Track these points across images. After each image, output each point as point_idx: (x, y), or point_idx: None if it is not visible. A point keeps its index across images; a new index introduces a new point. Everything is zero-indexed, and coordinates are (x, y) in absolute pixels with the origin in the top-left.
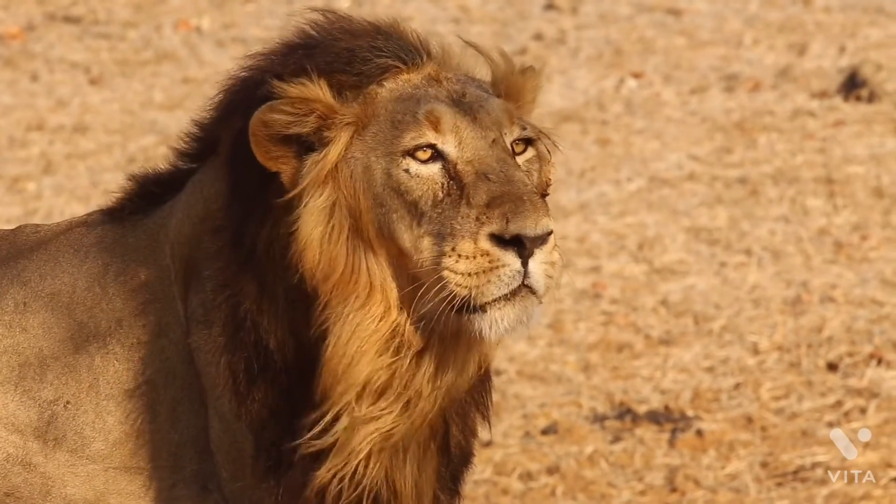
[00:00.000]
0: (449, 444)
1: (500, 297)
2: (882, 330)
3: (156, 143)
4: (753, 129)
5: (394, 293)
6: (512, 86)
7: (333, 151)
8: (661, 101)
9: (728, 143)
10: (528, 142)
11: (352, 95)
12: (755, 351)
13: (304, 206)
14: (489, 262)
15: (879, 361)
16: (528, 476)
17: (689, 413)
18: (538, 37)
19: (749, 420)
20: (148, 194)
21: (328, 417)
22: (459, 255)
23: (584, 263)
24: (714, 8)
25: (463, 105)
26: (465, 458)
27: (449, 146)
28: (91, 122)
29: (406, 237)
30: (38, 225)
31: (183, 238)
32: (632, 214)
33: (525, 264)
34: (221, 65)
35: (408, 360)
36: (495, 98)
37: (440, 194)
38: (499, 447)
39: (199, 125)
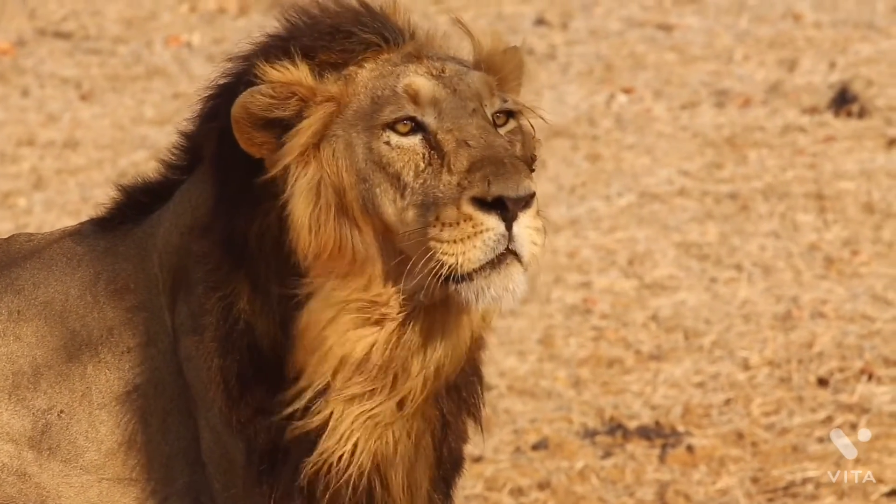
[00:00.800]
0: (446, 440)
1: (485, 265)
2: (873, 345)
3: (146, 159)
4: (744, 145)
5: (378, 268)
6: (495, 64)
7: (308, 124)
8: (651, 117)
9: (718, 158)
10: (509, 114)
11: (332, 76)
12: (746, 366)
13: (292, 187)
14: (473, 226)
15: (870, 377)
16: (518, 491)
17: (680, 428)
18: (528, 52)
19: (740, 435)
20: (137, 204)
21: (308, 394)
22: (443, 224)
23: (575, 279)
24: (704, 24)
25: (443, 78)
26: (457, 464)
27: (429, 117)
28: (82, 137)
29: (390, 210)
30: (31, 234)
31: (171, 248)
32: (622, 230)
33: (509, 228)
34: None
35: (388, 333)
36: (475, 71)
37: (422, 165)
38: (489, 462)
39: (184, 135)
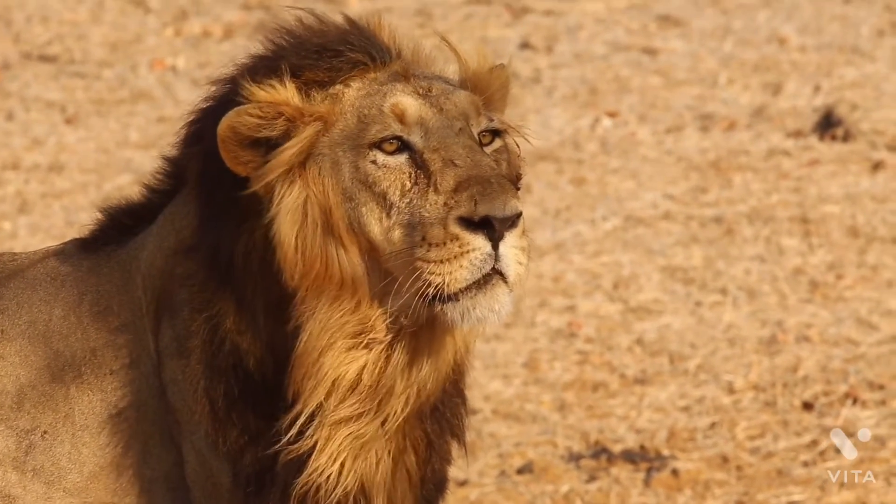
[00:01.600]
0: (430, 461)
1: (472, 285)
2: (857, 369)
3: (131, 183)
4: (729, 169)
5: (365, 288)
6: (481, 82)
7: (294, 143)
8: (636, 141)
9: (703, 182)
10: (495, 133)
11: (319, 95)
12: (730, 390)
13: (278, 205)
14: (459, 246)
15: (855, 401)
16: None
17: (665, 452)
18: (513, 76)
19: (724, 459)
20: (120, 225)
21: (302, 419)
22: (430, 244)
23: (560, 303)
24: (689, 47)
25: (429, 98)
26: (440, 485)
27: (415, 137)
28: (66, 161)
29: (376, 230)
30: (14, 253)
31: (154, 270)
32: (607, 254)
33: (496, 247)
34: (195, 100)
35: (377, 355)
36: (462, 91)
37: (408, 184)
38: (474, 486)
39: (167, 160)
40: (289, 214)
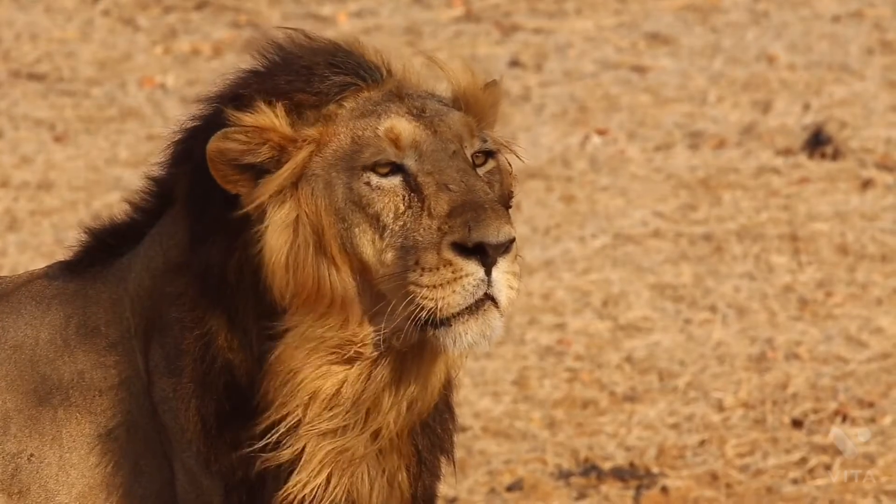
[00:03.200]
0: (420, 477)
1: (464, 310)
2: (847, 387)
3: (120, 200)
4: (718, 187)
5: (354, 307)
6: (472, 100)
7: (286, 169)
8: (625, 158)
9: (693, 200)
10: (488, 154)
11: (312, 115)
12: (720, 408)
13: (267, 222)
14: (452, 272)
15: (844, 418)
16: None
17: (654, 470)
18: (503, 93)
19: (714, 477)
20: (106, 247)
21: (281, 428)
22: (423, 268)
23: (549, 320)
24: (679, 65)
25: (423, 119)
26: (430, 502)
27: (409, 160)
28: (56, 179)
29: (369, 251)
30: None
31: (143, 291)
32: (596, 271)
33: (488, 273)
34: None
35: (359, 370)
36: (456, 111)
37: (402, 207)
38: (464, 503)
39: (152, 180)
40: (278, 232)
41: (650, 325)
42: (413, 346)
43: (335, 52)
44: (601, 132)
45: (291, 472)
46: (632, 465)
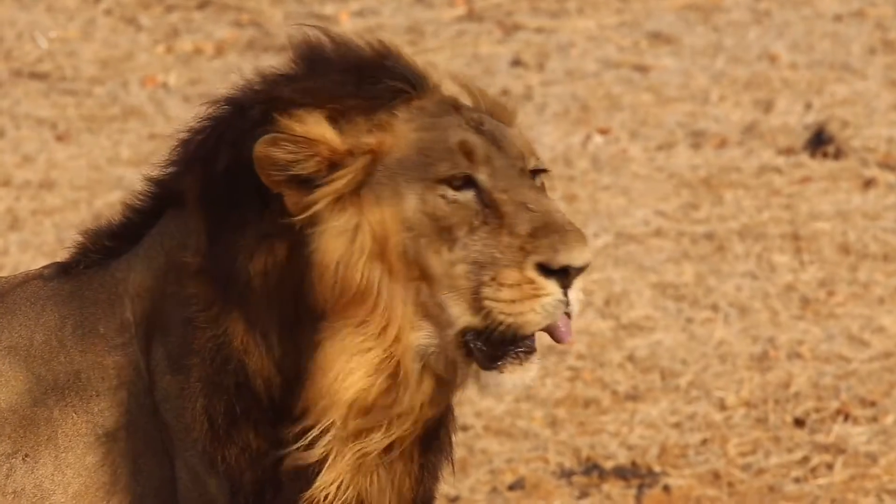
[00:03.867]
0: (423, 480)
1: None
2: (849, 386)
3: (122, 199)
4: (720, 186)
5: (398, 315)
6: (501, 117)
7: (345, 177)
8: (627, 157)
9: (694, 199)
10: (539, 172)
11: (363, 122)
12: (722, 407)
13: (323, 228)
14: (533, 289)
15: (846, 417)
16: None
17: (657, 469)
18: (505, 93)
19: (716, 476)
20: (102, 248)
21: (315, 432)
22: (501, 284)
23: None
24: (681, 65)
25: (486, 134)
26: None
27: (482, 175)
28: (58, 178)
29: (434, 262)
30: None
31: (144, 291)
32: (598, 270)
33: (565, 294)
34: (188, 121)
35: (397, 380)
36: (511, 128)
37: (475, 222)
38: (465, 502)
39: (151, 180)
40: (335, 238)
41: (652, 325)
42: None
43: (384, 55)
44: (603, 131)
45: (311, 475)
46: (634, 464)
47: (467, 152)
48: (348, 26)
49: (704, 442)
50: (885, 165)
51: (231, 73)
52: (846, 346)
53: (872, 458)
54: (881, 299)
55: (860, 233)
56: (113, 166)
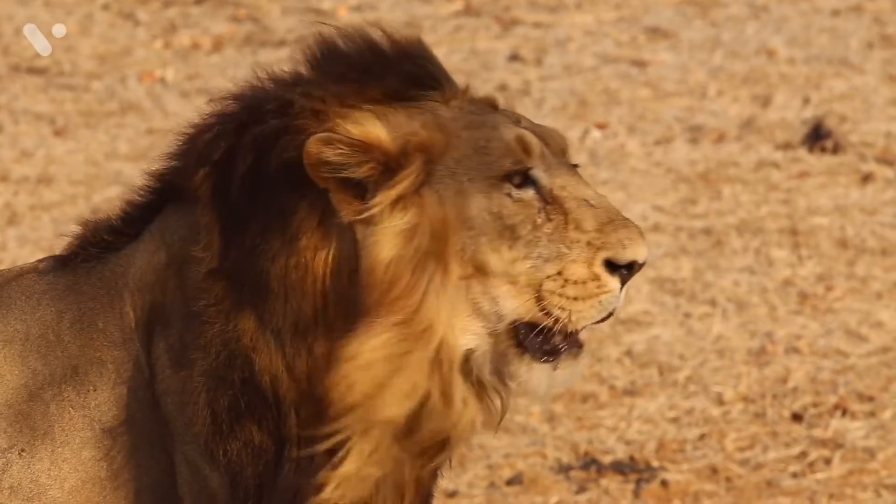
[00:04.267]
0: (427, 480)
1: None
2: (847, 381)
3: (120, 194)
4: (718, 180)
5: (443, 318)
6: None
7: (407, 178)
8: (625, 152)
9: (692, 194)
10: (575, 167)
11: (408, 123)
12: (720, 401)
13: (381, 228)
14: (598, 286)
15: (844, 412)
16: None
17: (654, 463)
18: (503, 87)
19: (714, 470)
20: (101, 242)
21: (340, 436)
22: (567, 280)
23: None
24: (678, 59)
25: (531, 130)
26: (427, 500)
27: (539, 171)
28: (55, 173)
29: (494, 260)
30: None
31: (145, 286)
32: None
33: (621, 289)
34: (186, 115)
35: (438, 389)
36: (547, 126)
37: (538, 219)
38: (463, 497)
39: (153, 176)
40: (394, 238)
41: (650, 320)
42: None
43: (419, 51)
44: (601, 126)
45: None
46: (632, 458)
47: (525, 148)
48: (346, 20)
49: (702, 437)
50: (884, 160)
51: (228, 68)
52: (844, 340)
53: (870, 453)
54: (879, 294)
55: (858, 227)
56: (111, 161)
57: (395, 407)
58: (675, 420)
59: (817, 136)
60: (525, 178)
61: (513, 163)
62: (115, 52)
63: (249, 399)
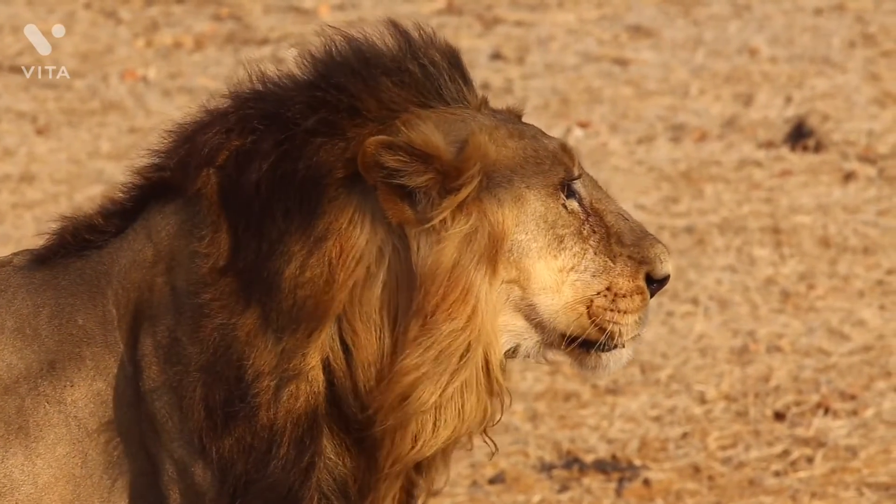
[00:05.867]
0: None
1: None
2: (829, 379)
3: (103, 193)
4: (700, 179)
5: (490, 319)
6: None
7: (468, 189)
8: (607, 151)
9: (675, 192)
10: None
11: (460, 126)
12: (702, 400)
13: (446, 234)
14: (641, 300)
15: (826, 411)
16: None
17: (637, 462)
18: (485, 86)
19: (696, 469)
20: (81, 239)
21: (376, 426)
22: (616, 295)
23: None
24: (660, 58)
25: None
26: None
27: (578, 183)
28: (38, 171)
29: (540, 268)
30: None
31: (129, 284)
32: None
33: None
34: (168, 114)
35: (483, 386)
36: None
37: (584, 231)
38: (446, 496)
39: (138, 174)
40: (458, 243)
41: None
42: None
43: (452, 56)
44: (583, 125)
45: (308, 474)
46: (614, 457)
47: (571, 158)
48: (328, 20)
49: (684, 435)
50: (865, 159)
51: (210, 67)
52: (826, 339)
53: (852, 452)
54: (861, 293)
55: (840, 226)
56: (93, 160)
57: (447, 414)
58: (657, 419)
59: (799, 135)
60: (570, 190)
61: (565, 172)
62: (97, 51)
63: (241, 395)
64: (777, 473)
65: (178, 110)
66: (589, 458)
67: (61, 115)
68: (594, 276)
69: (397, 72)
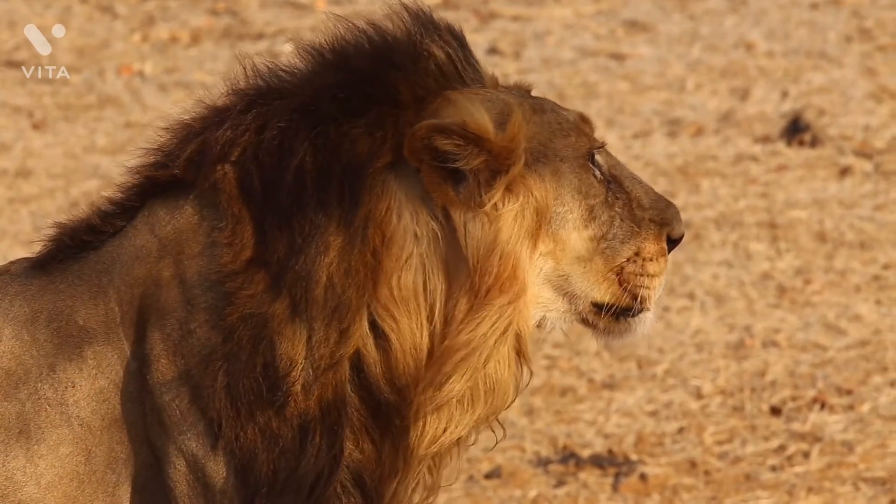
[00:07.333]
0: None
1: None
2: (825, 374)
3: (99, 188)
4: (696, 174)
5: (532, 292)
6: None
7: (516, 169)
8: None
9: (671, 187)
10: None
11: (500, 104)
12: (698, 395)
13: (499, 214)
14: (665, 262)
15: (822, 406)
16: None
17: (633, 457)
18: None
19: (692, 464)
20: (79, 242)
21: (412, 409)
22: (645, 259)
23: None
24: (657, 53)
25: None
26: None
27: (599, 152)
28: (34, 166)
29: (574, 236)
30: None
31: (132, 279)
32: None
33: None
34: (164, 109)
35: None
36: None
37: (609, 198)
38: (442, 491)
39: (136, 172)
40: (510, 222)
41: None
42: None
43: (462, 37)
44: None
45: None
46: (610, 452)
47: (591, 128)
48: (324, 15)
49: (681, 430)
50: (862, 153)
51: (206, 61)
52: (822, 334)
53: (849, 447)
54: (857, 287)
55: (836, 221)
56: (89, 155)
57: (482, 389)
58: (653, 414)
59: (796, 130)
60: (593, 159)
61: (589, 143)
62: (93, 46)
63: (271, 386)
64: (773, 468)
65: (175, 105)
66: (585, 453)
67: (57, 110)
68: (623, 242)
69: (423, 57)
